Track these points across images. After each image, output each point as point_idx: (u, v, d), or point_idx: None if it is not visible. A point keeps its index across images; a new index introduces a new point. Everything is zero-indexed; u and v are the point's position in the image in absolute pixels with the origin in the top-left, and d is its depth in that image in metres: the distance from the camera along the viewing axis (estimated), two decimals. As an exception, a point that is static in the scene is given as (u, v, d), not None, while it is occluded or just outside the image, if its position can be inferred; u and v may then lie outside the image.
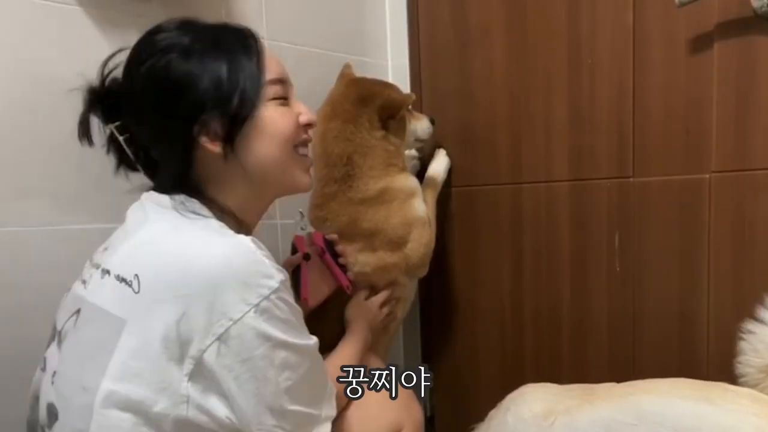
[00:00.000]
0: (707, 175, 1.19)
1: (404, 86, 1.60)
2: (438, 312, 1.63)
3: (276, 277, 0.85)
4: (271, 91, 0.95)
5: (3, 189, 1.11)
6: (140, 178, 1.01)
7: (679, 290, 1.25)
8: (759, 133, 1.13)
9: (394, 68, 1.67)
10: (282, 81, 0.97)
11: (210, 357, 0.82)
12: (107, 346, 0.84)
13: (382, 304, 1.30)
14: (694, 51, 1.19)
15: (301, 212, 1.30)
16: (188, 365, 0.82)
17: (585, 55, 1.32)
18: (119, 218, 0.98)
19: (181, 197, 0.93)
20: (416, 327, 1.68)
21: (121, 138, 0.96)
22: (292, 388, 0.87)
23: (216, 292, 0.82)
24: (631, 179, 1.29)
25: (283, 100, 0.97)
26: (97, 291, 0.90)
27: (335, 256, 1.27)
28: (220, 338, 0.82)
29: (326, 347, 1.08)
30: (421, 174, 1.53)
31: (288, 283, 0.88)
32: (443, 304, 1.61)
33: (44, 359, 0.94)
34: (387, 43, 1.66)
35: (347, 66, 1.44)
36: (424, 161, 1.56)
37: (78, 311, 0.92)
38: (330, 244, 1.27)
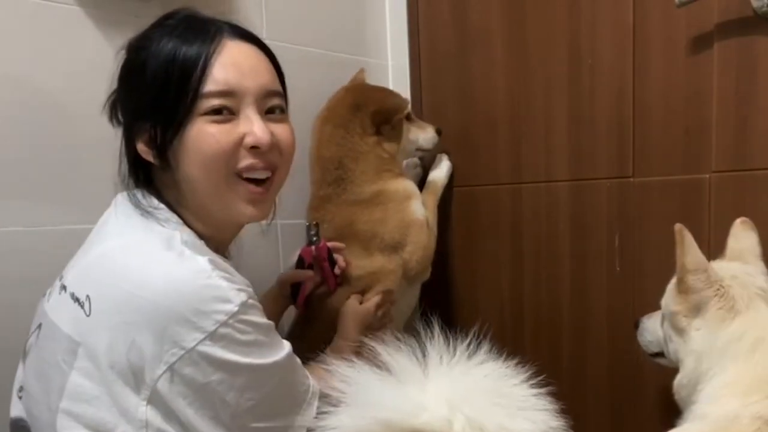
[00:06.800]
0: (707, 175, 1.19)
1: (404, 87, 1.60)
2: (438, 312, 1.63)
3: (235, 300, 0.80)
4: (206, 104, 0.85)
5: (3, 189, 1.11)
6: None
7: (679, 290, 1.25)
8: (759, 133, 1.12)
9: (394, 69, 1.67)
10: (228, 94, 0.86)
11: (163, 386, 0.79)
12: (63, 367, 0.82)
13: (378, 307, 1.25)
14: (694, 51, 1.18)
15: (316, 224, 1.27)
16: (145, 391, 0.80)
17: (585, 55, 1.32)
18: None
19: (138, 196, 0.90)
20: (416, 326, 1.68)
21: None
22: (256, 407, 0.83)
23: (165, 321, 0.78)
24: (631, 179, 1.28)
25: (227, 115, 0.87)
26: (56, 307, 0.87)
27: (332, 263, 1.26)
28: (172, 367, 0.79)
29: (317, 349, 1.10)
30: (423, 179, 1.54)
31: (253, 301, 0.84)
32: (443, 304, 1.61)
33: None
34: (387, 43, 1.66)
35: (361, 71, 1.45)
36: (426, 166, 1.56)
37: (39, 326, 0.89)
38: (330, 252, 1.26)
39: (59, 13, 1.14)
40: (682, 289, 0.93)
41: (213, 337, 0.79)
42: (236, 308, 0.80)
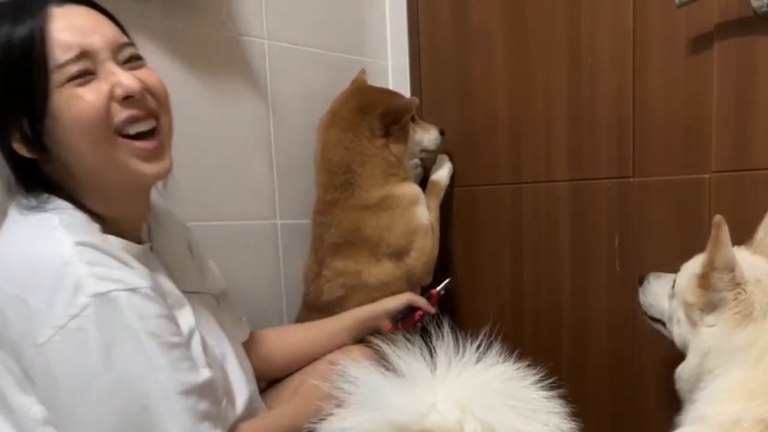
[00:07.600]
0: (707, 175, 1.19)
1: (404, 87, 1.60)
2: (437, 312, 1.63)
3: (88, 290, 0.70)
4: (63, 74, 0.79)
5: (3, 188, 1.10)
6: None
7: (679, 290, 1.25)
8: (759, 133, 1.12)
9: (394, 69, 1.66)
10: (82, 55, 0.80)
11: (36, 385, 0.73)
12: None
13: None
14: (694, 51, 1.18)
15: (452, 283, 1.37)
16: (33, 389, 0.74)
17: (585, 56, 1.32)
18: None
19: (30, 198, 0.84)
20: (416, 326, 1.68)
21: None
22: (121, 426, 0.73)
23: (23, 314, 0.71)
24: (631, 179, 1.29)
25: (88, 76, 0.81)
26: None
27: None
28: (31, 367, 0.71)
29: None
30: (424, 180, 1.53)
31: (127, 294, 0.74)
32: (443, 304, 1.60)
33: None
34: (387, 43, 1.66)
35: (362, 71, 1.44)
36: (427, 168, 1.56)
37: None
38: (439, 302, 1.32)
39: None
40: (704, 284, 0.91)
41: (63, 332, 0.70)
42: (87, 300, 0.70)
